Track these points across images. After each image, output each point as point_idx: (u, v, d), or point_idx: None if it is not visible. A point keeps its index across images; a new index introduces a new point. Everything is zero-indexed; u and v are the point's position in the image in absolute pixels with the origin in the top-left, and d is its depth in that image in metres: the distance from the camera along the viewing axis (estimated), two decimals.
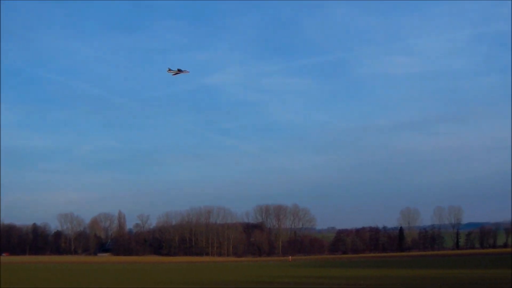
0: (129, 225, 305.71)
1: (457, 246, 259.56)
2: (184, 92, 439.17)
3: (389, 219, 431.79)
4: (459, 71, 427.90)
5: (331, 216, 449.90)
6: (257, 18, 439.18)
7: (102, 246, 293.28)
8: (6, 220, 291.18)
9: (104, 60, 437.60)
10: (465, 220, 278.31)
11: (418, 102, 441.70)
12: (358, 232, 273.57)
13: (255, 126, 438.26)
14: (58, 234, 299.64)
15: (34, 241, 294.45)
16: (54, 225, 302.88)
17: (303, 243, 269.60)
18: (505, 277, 57.82)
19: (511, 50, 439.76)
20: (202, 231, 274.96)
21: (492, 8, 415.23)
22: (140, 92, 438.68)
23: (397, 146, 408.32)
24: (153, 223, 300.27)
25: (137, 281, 69.47)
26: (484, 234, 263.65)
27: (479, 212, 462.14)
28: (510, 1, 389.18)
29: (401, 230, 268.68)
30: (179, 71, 70.87)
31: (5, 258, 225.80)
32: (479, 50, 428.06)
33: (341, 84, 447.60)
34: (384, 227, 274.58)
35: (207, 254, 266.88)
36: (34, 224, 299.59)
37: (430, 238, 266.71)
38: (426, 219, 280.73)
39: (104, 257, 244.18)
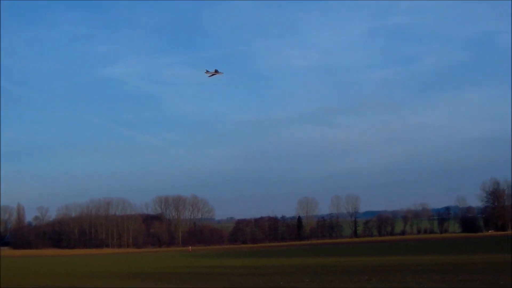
0: (29, 217, 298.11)
1: (355, 234, 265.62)
2: (84, 84, 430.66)
3: (287, 209, 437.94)
4: (356, 64, 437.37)
5: (230, 206, 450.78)
6: (157, 10, 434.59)
7: (1, 240, 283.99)
8: None
9: (5, 52, 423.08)
10: (362, 208, 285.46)
11: (316, 94, 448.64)
12: (257, 222, 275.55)
13: (154, 118, 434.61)
14: None
15: None
16: None
17: (202, 234, 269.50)
18: (402, 263, 59.51)
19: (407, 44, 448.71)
20: (102, 223, 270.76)
21: (389, 1, 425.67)
22: (41, 84, 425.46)
23: (295, 137, 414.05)
24: (52, 215, 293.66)
25: (35, 275, 67.47)
26: (382, 222, 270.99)
27: (376, 201, 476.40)
28: None
29: (299, 219, 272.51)
30: (216, 72, 74.68)
31: None
32: (376, 44, 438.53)
33: (240, 77, 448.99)
34: (283, 217, 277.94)
35: (107, 246, 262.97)
36: None
37: (328, 226, 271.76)
38: (324, 208, 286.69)
39: (3, 250, 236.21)
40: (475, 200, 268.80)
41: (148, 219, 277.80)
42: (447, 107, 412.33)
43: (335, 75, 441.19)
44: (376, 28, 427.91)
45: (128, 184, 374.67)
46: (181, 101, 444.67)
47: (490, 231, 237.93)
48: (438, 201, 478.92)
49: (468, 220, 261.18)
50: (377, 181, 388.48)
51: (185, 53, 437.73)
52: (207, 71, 74.66)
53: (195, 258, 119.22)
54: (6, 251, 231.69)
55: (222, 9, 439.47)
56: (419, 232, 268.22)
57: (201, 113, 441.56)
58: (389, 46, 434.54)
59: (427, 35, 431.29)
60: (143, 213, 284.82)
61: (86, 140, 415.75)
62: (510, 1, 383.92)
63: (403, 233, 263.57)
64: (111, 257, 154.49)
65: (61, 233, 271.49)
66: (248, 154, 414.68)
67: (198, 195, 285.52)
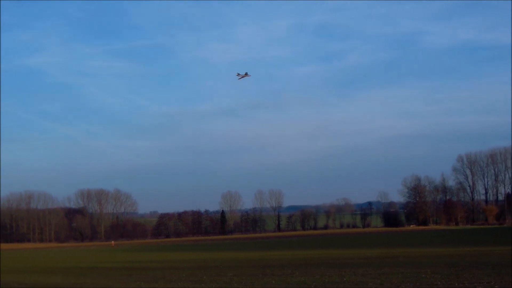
0: None
1: (278, 228, 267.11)
2: (3, 73, 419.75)
3: (211, 203, 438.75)
4: (279, 60, 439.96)
5: (153, 200, 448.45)
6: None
7: None
8: None
9: None
10: (285, 203, 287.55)
11: (239, 89, 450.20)
12: (180, 216, 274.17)
13: (76, 109, 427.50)
14: None
15: None
16: None
17: (125, 228, 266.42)
18: (325, 257, 59.54)
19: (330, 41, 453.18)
20: (23, 216, 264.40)
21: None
22: None
23: (218, 131, 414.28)
24: None
25: None
26: (305, 216, 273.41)
27: (300, 196, 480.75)
28: None
29: (223, 213, 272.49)
30: (246, 74, 79.61)
31: None
32: (300, 40, 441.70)
33: (163, 69, 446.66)
34: (206, 211, 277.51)
35: (28, 240, 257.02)
36: None
37: (252, 221, 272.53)
38: (247, 202, 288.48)
39: None
40: (397, 195, 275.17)
41: (71, 213, 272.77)
42: (368, 104, 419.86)
43: (258, 70, 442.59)
44: (300, 25, 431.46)
45: (49, 177, 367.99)
46: (103, 93, 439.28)
47: (411, 225, 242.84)
48: (360, 196, 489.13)
49: (390, 215, 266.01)
50: (300, 176, 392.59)
51: (107, 44, 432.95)
52: (238, 74, 77.23)
53: (118, 252, 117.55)
54: None
55: (146, 1, 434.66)
56: (342, 226, 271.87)
57: (122, 105, 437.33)
58: (313, 42, 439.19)
59: (350, 33, 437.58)
60: (65, 207, 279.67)
61: (5, 131, 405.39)
62: (435, 1, 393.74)
63: (326, 227, 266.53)
64: (33, 251, 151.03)
65: None
66: (170, 148, 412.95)
67: (121, 189, 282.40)
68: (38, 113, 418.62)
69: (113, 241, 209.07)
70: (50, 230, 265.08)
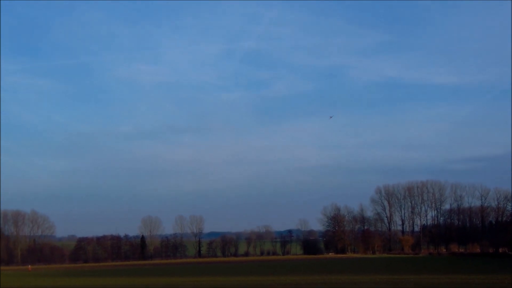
0: None
1: (199, 254, 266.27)
2: None
3: (130, 227, 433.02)
4: (205, 84, 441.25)
5: (71, 223, 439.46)
6: (2, 15, 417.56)
7: None
8: None
9: None
10: (206, 229, 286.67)
11: (163, 111, 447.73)
12: (99, 240, 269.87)
13: None
14: None
15: None
16: None
17: (43, 252, 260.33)
18: (244, 283, 60.47)
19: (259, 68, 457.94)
20: None
21: (243, 26, 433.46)
22: None
23: (139, 153, 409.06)
24: None
25: None
26: (226, 243, 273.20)
27: (220, 222, 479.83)
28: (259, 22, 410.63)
29: (142, 238, 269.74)
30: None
31: None
32: (228, 66, 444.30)
33: (85, 88, 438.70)
34: (126, 235, 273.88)
35: None
36: None
37: (172, 246, 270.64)
38: (168, 228, 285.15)
39: None
40: (316, 224, 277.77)
41: None
42: (291, 134, 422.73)
43: (183, 94, 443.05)
44: (229, 51, 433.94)
45: None
46: (22, 110, 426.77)
47: (330, 253, 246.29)
48: (281, 224, 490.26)
49: (309, 243, 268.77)
50: (221, 202, 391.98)
51: (30, 62, 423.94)
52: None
53: (35, 277, 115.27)
54: None
55: (74, 17, 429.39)
56: (262, 253, 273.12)
57: (42, 123, 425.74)
58: (241, 69, 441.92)
59: (278, 62, 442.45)
60: None
61: None
62: (359, 39, 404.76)
63: (246, 254, 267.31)
64: None
65: None
66: (89, 169, 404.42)
67: (38, 211, 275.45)
68: None
69: (30, 266, 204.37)
70: None
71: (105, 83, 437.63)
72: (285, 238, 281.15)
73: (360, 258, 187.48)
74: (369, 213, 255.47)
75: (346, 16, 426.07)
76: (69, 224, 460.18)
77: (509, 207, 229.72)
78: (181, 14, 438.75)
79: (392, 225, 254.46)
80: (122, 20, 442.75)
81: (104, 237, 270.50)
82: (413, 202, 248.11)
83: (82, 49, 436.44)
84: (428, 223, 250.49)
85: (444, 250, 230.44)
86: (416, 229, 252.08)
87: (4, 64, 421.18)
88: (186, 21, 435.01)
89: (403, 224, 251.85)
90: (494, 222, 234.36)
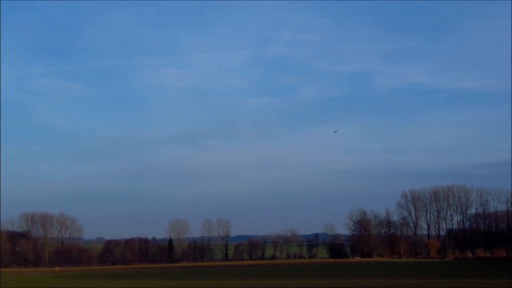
0: None
1: (226, 257, 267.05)
2: None
3: (158, 230, 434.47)
4: (232, 89, 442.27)
5: (99, 226, 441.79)
6: (31, 18, 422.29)
7: None
8: None
9: None
10: (233, 232, 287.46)
11: (190, 116, 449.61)
12: (127, 242, 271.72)
13: (22, 129, 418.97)
14: None
15: None
16: None
17: (70, 254, 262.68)
18: (272, 287, 60.88)
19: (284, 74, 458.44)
20: None
21: (269, 33, 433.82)
22: None
23: (167, 157, 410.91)
24: None
25: None
26: (253, 246, 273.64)
27: (247, 225, 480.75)
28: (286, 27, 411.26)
29: (170, 241, 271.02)
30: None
31: None
32: (254, 71, 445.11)
33: (115, 92, 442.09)
34: (154, 238, 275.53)
35: None
36: None
37: (199, 249, 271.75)
38: (195, 231, 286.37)
39: None
40: (342, 228, 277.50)
41: (14, 237, 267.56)
42: (317, 138, 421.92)
43: (210, 99, 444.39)
44: (256, 57, 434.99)
45: None
46: (51, 113, 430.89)
47: (356, 257, 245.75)
48: (307, 227, 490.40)
49: (335, 247, 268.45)
50: (248, 206, 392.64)
51: (59, 65, 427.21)
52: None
53: (63, 279, 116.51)
54: None
55: (103, 22, 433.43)
56: (288, 257, 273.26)
57: (71, 126, 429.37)
58: (267, 75, 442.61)
59: (304, 68, 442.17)
60: (8, 230, 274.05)
61: None
62: (384, 44, 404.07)
63: (273, 257, 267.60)
64: None
65: None
66: (118, 172, 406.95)
67: (66, 213, 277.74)
68: None
69: (57, 267, 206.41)
70: None
71: (134, 87, 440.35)
72: (312, 242, 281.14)
73: (386, 262, 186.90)
74: (395, 217, 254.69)
75: (372, 22, 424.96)
76: (97, 227, 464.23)
77: None
78: (208, 20, 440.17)
79: (418, 229, 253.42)
80: (150, 24, 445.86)
81: (132, 239, 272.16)
82: (438, 206, 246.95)
83: (110, 53, 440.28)
84: (454, 228, 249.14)
85: (470, 254, 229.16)
86: (442, 233, 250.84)
87: (33, 67, 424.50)
88: (213, 27, 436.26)
89: (428, 228, 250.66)
90: None
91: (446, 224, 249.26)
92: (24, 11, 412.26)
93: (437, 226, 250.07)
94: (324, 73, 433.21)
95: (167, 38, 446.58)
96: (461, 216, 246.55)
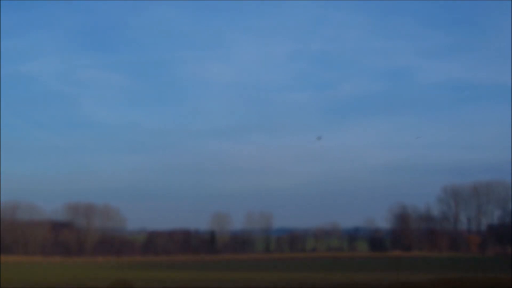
0: None
1: (267, 249, 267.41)
2: None
3: (200, 222, 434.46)
4: (274, 84, 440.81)
5: (142, 217, 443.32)
6: (79, 9, 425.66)
7: None
8: None
9: None
10: (275, 225, 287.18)
11: (232, 110, 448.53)
12: (170, 234, 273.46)
13: (67, 120, 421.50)
14: None
15: None
16: None
17: (113, 244, 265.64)
18: (313, 280, 61.65)
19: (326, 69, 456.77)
20: (7, 228, 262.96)
21: (311, 27, 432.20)
22: None
23: (209, 151, 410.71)
24: None
25: None
26: (294, 239, 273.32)
27: (289, 218, 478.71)
28: (330, 22, 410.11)
29: (212, 233, 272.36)
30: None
31: None
32: (296, 66, 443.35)
33: (160, 85, 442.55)
34: (196, 230, 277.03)
35: (12, 253, 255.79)
36: None
37: (241, 241, 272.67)
38: (237, 223, 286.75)
39: None
40: (382, 221, 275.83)
41: (57, 226, 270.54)
42: (358, 133, 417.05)
43: (253, 93, 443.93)
44: (297, 52, 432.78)
45: (36, 188, 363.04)
46: (97, 105, 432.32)
47: (396, 251, 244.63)
48: (347, 221, 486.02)
49: (376, 240, 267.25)
50: (289, 199, 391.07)
51: (104, 56, 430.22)
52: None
53: (106, 269, 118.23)
54: None
55: (147, 15, 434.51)
56: (329, 250, 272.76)
57: (116, 119, 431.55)
58: (309, 70, 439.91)
59: (345, 63, 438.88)
60: (52, 219, 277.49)
61: None
62: (426, 40, 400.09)
63: (314, 250, 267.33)
64: (17, 265, 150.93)
65: None
66: (162, 165, 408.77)
67: (109, 204, 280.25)
68: (27, 121, 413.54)
69: (100, 257, 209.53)
70: (36, 243, 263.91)
71: (177, 80, 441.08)
72: (352, 235, 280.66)
73: (426, 256, 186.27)
74: (435, 211, 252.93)
75: (413, 17, 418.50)
76: (139, 218, 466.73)
77: None
78: (250, 15, 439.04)
79: (458, 224, 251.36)
80: (195, 17, 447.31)
81: (175, 231, 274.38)
82: (479, 201, 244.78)
83: (157, 45, 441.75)
84: (495, 223, 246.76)
85: (511, 250, 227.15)
86: (482, 228, 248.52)
87: (80, 58, 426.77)
88: (254, 22, 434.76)
89: (469, 223, 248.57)
90: None
91: (486, 219, 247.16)
92: (69, 2, 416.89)
93: (477, 221, 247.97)
94: (365, 69, 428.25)
95: (209, 32, 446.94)
96: (502, 211, 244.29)
